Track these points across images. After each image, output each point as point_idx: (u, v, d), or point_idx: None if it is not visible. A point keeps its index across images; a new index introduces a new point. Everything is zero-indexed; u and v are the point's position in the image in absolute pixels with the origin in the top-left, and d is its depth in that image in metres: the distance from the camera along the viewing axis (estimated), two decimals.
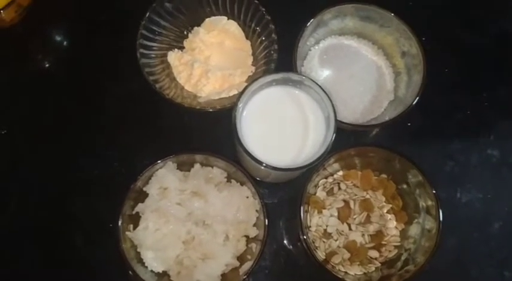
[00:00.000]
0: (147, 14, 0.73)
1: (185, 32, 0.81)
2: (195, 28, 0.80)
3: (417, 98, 0.71)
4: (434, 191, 0.66)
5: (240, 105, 0.63)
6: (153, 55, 0.76)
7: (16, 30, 0.80)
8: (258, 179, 0.75)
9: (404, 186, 0.72)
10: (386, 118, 0.74)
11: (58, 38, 0.85)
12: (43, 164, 0.78)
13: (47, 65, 0.84)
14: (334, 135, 0.63)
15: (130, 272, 0.65)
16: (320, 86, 0.64)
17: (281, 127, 0.66)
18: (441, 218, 0.65)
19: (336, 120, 0.63)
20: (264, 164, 0.61)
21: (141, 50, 0.73)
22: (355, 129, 0.75)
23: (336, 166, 0.74)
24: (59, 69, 0.83)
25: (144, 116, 0.79)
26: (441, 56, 0.84)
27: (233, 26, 0.79)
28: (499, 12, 0.89)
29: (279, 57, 0.74)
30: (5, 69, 0.82)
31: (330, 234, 0.72)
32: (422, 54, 0.72)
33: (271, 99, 0.66)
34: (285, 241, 0.76)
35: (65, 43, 0.85)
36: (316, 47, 0.80)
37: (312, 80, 0.64)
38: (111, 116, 0.80)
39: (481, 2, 0.89)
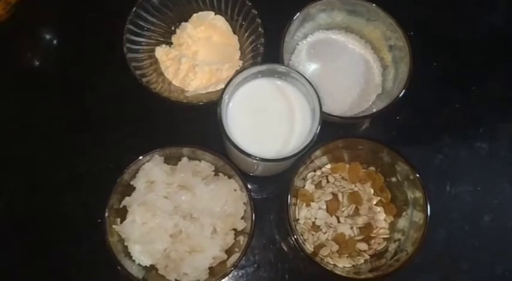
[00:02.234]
0: (134, 8, 0.74)
1: (173, 28, 0.81)
2: (183, 23, 0.81)
3: (404, 90, 0.71)
4: (418, 175, 0.66)
5: (225, 97, 0.63)
6: (140, 50, 0.76)
7: (4, 28, 0.81)
8: (247, 173, 0.75)
9: (393, 179, 0.72)
10: (374, 111, 0.74)
11: (46, 36, 0.85)
12: (32, 159, 0.78)
13: (35, 62, 0.84)
14: (320, 126, 0.62)
15: (118, 266, 0.65)
16: (306, 78, 0.64)
17: (267, 119, 0.66)
18: (429, 207, 0.65)
19: (322, 112, 0.63)
20: (250, 156, 0.61)
21: (128, 45, 0.73)
22: (343, 122, 0.75)
23: (324, 159, 0.74)
24: (47, 66, 0.84)
25: (132, 111, 0.80)
26: (430, 50, 0.85)
27: (220, 21, 0.80)
28: (488, 6, 0.89)
29: (267, 52, 0.74)
30: None
31: (318, 227, 0.72)
32: (408, 46, 0.72)
33: (256, 91, 0.66)
34: (275, 236, 0.76)
35: (53, 40, 0.85)
36: (304, 42, 0.80)
37: (297, 72, 0.64)
38: (99, 112, 0.80)
39: None
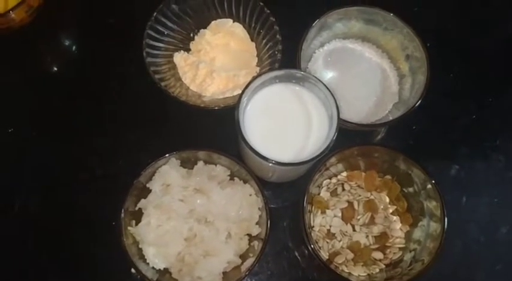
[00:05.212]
0: (154, 14, 0.75)
1: (191, 34, 0.82)
2: (201, 30, 0.82)
3: (420, 99, 0.71)
4: (435, 185, 0.66)
5: (243, 100, 0.63)
6: (159, 55, 0.77)
7: (26, 31, 0.82)
8: (262, 179, 0.74)
9: (410, 189, 0.72)
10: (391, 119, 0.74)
11: (67, 39, 0.87)
12: (49, 161, 0.78)
13: (55, 66, 0.86)
14: (337, 132, 0.62)
15: (132, 269, 0.65)
16: (324, 84, 0.64)
17: (284, 124, 0.66)
18: (446, 218, 0.64)
19: (339, 118, 0.63)
20: (267, 159, 0.61)
21: (148, 50, 0.74)
22: (359, 129, 0.75)
23: (340, 166, 0.74)
24: (67, 69, 0.85)
25: (150, 115, 0.80)
26: (447, 61, 0.84)
27: (238, 28, 0.81)
28: (505, 17, 0.89)
29: (284, 60, 0.75)
30: (14, 69, 0.83)
31: (333, 234, 0.71)
32: (425, 56, 0.72)
33: (274, 96, 0.67)
34: (289, 243, 0.75)
35: (73, 44, 0.87)
36: (321, 50, 0.81)
37: (315, 77, 0.65)
38: (117, 115, 0.81)
39: (487, 7, 0.89)
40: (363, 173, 0.74)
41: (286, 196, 0.78)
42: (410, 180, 0.71)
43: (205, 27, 0.82)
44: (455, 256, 0.76)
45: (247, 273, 0.63)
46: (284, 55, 0.75)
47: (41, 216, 0.76)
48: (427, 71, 0.72)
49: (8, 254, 0.74)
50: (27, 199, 0.77)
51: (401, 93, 0.78)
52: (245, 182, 0.70)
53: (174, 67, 0.80)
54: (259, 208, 0.69)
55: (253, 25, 0.80)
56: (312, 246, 0.64)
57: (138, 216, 0.68)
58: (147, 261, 0.66)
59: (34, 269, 0.74)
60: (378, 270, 0.70)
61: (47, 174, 0.78)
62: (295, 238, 0.75)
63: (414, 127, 0.81)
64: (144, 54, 0.74)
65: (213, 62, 0.79)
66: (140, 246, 0.67)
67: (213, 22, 0.82)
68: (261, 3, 0.76)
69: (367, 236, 0.71)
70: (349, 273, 0.68)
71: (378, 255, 0.70)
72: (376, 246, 0.70)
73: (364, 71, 0.79)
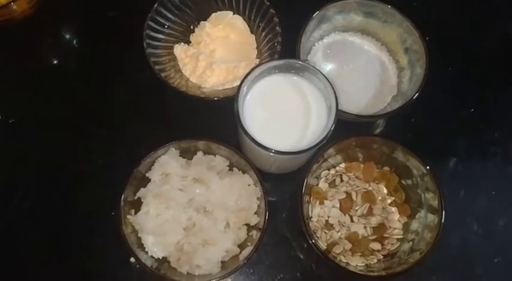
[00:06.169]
0: (155, 5, 0.75)
1: (192, 26, 0.83)
2: (202, 22, 0.82)
3: (418, 92, 0.71)
4: (433, 176, 0.66)
5: (243, 89, 0.64)
6: (159, 47, 0.78)
7: (27, 23, 0.81)
8: (261, 171, 0.75)
9: (408, 180, 0.72)
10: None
11: (68, 31, 0.87)
12: (48, 152, 0.78)
13: (56, 57, 0.86)
14: (335, 122, 0.63)
15: (131, 258, 0.66)
16: (323, 74, 0.65)
17: (283, 114, 0.67)
18: (443, 207, 0.65)
19: (338, 108, 0.63)
20: (266, 148, 0.62)
21: (148, 41, 0.75)
22: (358, 121, 0.75)
23: (339, 158, 0.74)
24: (68, 61, 0.85)
25: (150, 106, 0.81)
26: (445, 54, 0.84)
27: (238, 21, 0.81)
28: (504, 12, 0.90)
29: (283, 53, 0.75)
30: (15, 61, 0.84)
31: (331, 225, 0.72)
32: (424, 48, 0.73)
33: (273, 86, 0.67)
34: (287, 234, 0.76)
35: (75, 36, 0.87)
36: (320, 43, 0.81)
37: (314, 67, 0.65)
38: (117, 106, 0.81)
39: (486, 1, 0.90)
40: (362, 165, 0.75)
41: (284, 188, 0.78)
42: (409, 172, 0.71)
43: (205, 19, 0.82)
44: (454, 249, 0.76)
45: (245, 262, 0.64)
46: (283, 48, 0.75)
47: (40, 207, 0.76)
48: (425, 64, 0.72)
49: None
50: (26, 190, 0.77)
51: (400, 86, 0.79)
52: (244, 172, 0.70)
53: (174, 59, 0.80)
54: (257, 198, 0.69)
55: (253, 17, 0.80)
56: (311, 237, 0.65)
57: (137, 205, 0.68)
58: (146, 250, 0.67)
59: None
60: (375, 260, 0.70)
61: (46, 165, 0.78)
62: (294, 229, 0.76)
63: (413, 120, 0.82)
64: (145, 45, 0.74)
65: (213, 54, 0.80)
66: (139, 235, 0.67)
67: (213, 14, 0.82)
68: None
69: (365, 227, 0.71)
70: (347, 263, 0.69)
71: (376, 246, 0.70)
72: (374, 237, 0.71)
73: (363, 64, 0.80)
